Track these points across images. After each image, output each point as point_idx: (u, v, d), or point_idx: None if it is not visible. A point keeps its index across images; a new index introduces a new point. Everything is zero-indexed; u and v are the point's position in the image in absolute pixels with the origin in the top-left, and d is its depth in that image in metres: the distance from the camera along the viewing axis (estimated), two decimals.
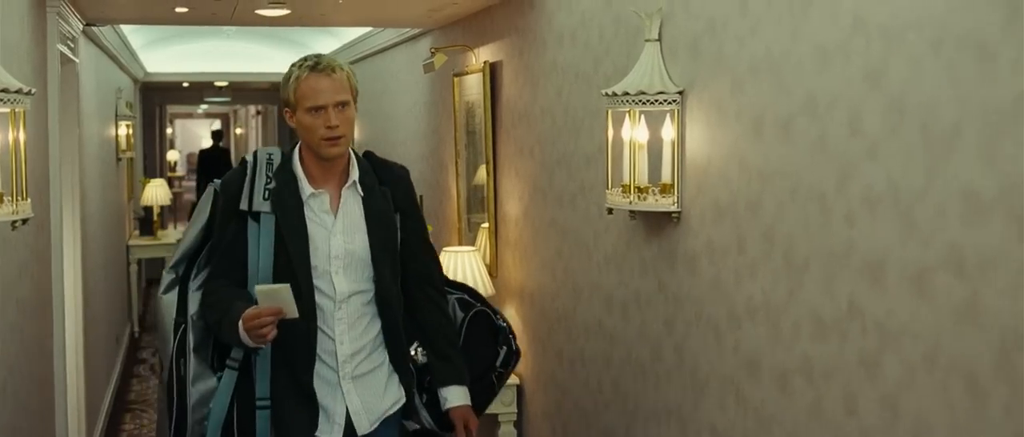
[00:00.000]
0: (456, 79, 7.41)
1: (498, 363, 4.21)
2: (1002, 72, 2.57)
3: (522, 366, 6.31)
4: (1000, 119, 2.57)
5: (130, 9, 7.59)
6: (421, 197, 8.40)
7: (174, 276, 3.88)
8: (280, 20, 7.75)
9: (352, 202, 3.85)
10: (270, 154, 3.82)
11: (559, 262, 5.66)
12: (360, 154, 3.96)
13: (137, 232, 13.61)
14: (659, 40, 4.29)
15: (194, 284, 3.85)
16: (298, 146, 3.86)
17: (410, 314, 4.02)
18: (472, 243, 7.14)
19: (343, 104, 3.74)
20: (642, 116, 4.28)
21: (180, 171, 31.11)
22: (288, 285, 3.55)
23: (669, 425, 4.39)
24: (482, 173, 6.88)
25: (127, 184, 13.03)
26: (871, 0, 3.03)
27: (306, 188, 3.79)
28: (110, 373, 10.00)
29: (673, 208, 4.20)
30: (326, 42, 12.56)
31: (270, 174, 3.77)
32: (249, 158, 3.84)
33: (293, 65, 3.80)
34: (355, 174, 3.85)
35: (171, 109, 28.09)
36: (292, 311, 3.54)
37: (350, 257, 3.79)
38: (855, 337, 3.15)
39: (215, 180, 3.88)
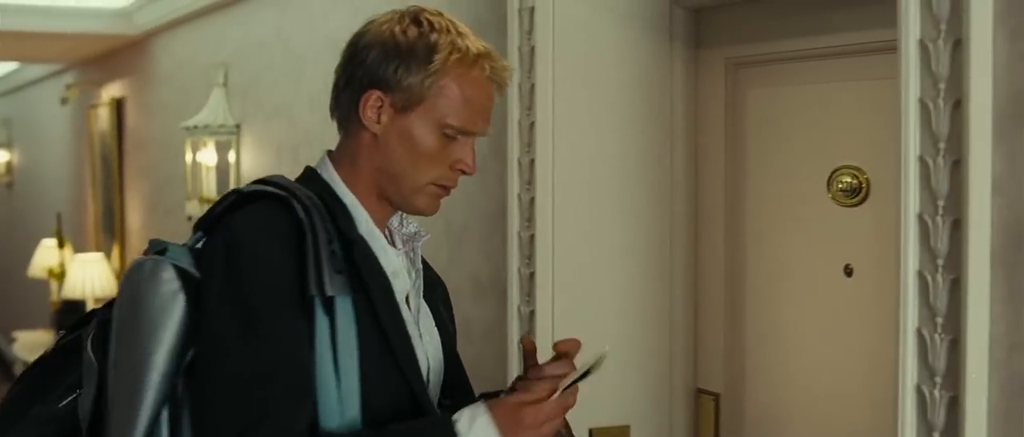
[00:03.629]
0: (91, 111, 8.48)
1: None
2: None
3: None
4: None
5: None
6: (60, 214, 9.39)
7: None
8: None
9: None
10: (315, 194, 1.98)
11: None
12: None
13: None
14: (224, 85, 5.55)
15: None
16: (338, 173, 2.05)
17: None
18: (107, 253, 8.21)
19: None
20: (212, 143, 5.55)
21: None
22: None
23: None
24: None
25: None
26: (334, 66, 4.36)
27: (390, 254, 2.04)
28: None
29: None
30: None
31: (329, 228, 1.93)
32: (301, 199, 1.92)
33: (428, 25, 1.99)
34: (413, 226, 2.14)
35: None
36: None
37: (437, 375, 2.13)
38: None
39: (163, 245, 1.94)
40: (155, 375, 1.83)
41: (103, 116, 8.16)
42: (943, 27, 1.97)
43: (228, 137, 5.45)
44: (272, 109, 5.02)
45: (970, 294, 1.94)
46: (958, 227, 1.96)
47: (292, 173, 4.76)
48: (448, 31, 1.97)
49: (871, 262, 2.63)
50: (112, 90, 8.04)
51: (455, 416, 1.87)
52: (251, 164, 5.32)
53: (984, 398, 1.95)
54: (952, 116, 1.97)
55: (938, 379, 2.01)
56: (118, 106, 7.82)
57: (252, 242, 1.86)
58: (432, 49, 1.94)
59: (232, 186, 5.48)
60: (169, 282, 1.85)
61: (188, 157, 5.76)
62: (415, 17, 1.98)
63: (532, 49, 3.04)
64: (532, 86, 3.04)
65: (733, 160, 3.01)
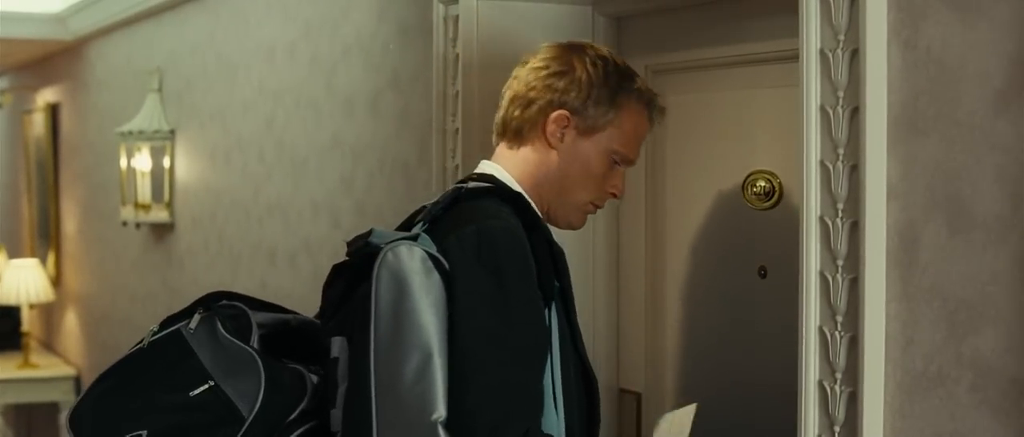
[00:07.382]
0: (25, 116, 8.44)
1: None
2: (325, 122, 4.00)
3: (81, 359, 7.42)
4: (326, 152, 4.00)
5: None
6: None
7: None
8: None
9: None
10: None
11: (101, 268, 6.85)
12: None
13: None
14: (159, 91, 5.57)
15: None
16: (516, 181, 2.22)
17: None
18: (43, 259, 8.17)
19: None
20: (147, 149, 5.57)
21: None
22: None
23: None
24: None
25: None
26: (266, 73, 4.42)
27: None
28: None
29: (167, 220, 5.50)
30: None
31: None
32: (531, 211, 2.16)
33: (612, 63, 2.24)
34: None
35: None
36: None
37: None
38: None
39: (388, 233, 2.07)
40: (439, 346, 1.94)
41: (38, 121, 8.13)
42: (841, 37, 2.05)
43: (163, 142, 5.48)
44: (206, 115, 5.05)
45: (867, 293, 2.02)
46: (856, 229, 2.04)
47: (226, 179, 4.77)
48: (628, 73, 2.22)
49: (784, 263, 2.71)
50: (47, 95, 8.01)
51: None
52: (186, 169, 5.35)
53: (881, 393, 2.03)
54: (850, 123, 2.05)
55: (838, 375, 2.09)
56: (53, 111, 7.80)
57: (504, 229, 2.00)
58: (618, 87, 2.18)
59: (166, 192, 5.49)
60: (426, 262, 1.96)
61: (123, 162, 5.77)
62: (599, 54, 2.21)
63: (457, 57, 3.09)
64: (457, 93, 3.10)
65: (653, 165, 3.09)
